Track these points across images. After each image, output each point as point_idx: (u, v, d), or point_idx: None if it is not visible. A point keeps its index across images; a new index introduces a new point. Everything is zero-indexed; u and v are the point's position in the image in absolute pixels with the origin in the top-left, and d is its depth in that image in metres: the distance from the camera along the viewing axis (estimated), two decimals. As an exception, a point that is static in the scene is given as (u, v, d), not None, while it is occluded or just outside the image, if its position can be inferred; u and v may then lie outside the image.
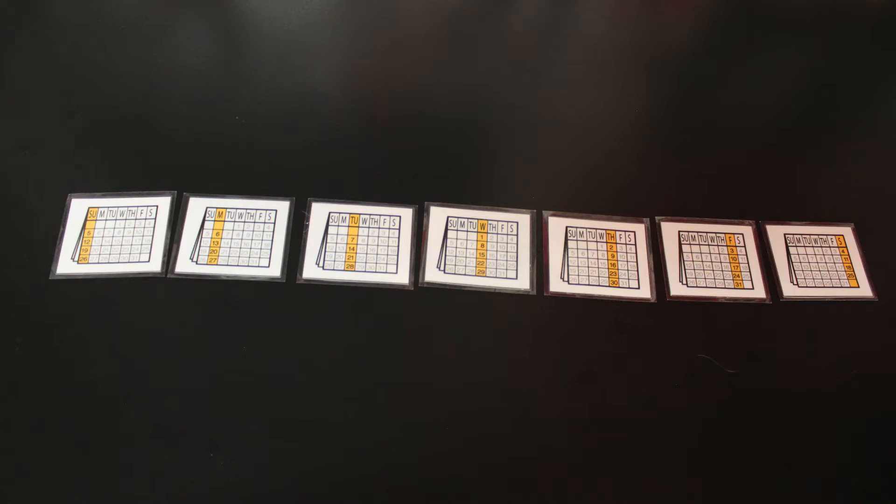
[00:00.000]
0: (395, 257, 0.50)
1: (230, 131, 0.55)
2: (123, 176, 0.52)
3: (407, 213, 0.52)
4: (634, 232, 0.53)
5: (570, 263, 0.51)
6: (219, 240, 0.50)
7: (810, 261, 0.52)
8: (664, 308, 0.50)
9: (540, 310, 0.49)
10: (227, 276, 0.49)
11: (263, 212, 0.51)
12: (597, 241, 0.52)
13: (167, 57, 0.59)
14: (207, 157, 0.53)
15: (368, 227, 0.51)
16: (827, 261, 0.53)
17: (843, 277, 0.52)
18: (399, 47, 0.62)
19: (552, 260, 0.51)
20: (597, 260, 0.51)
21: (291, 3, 0.63)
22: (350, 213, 0.52)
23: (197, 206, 0.51)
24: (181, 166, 0.52)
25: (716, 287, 0.51)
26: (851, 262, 0.53)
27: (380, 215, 0.52)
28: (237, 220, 0.51)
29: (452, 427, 0.44)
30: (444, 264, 0.50)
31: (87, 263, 0.48)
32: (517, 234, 0.52)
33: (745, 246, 0.53)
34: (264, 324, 0.47)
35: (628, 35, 0.65)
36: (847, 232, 0.54)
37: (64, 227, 0.50)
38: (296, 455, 0.43)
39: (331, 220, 0.51)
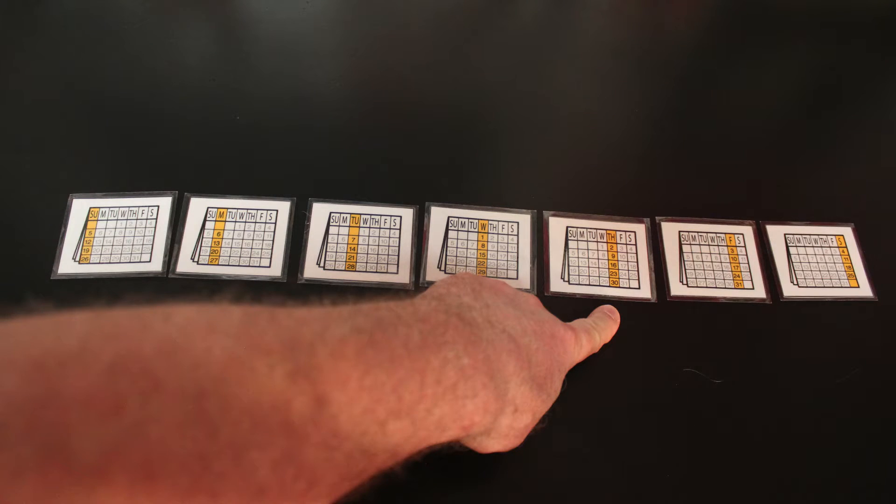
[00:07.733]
0: (396, 257, 0.50)
1: (231, 131, 0.55)
2: (125, 176, 0.52)
3: (408, 214, 0.52)
4: (635, 232, 0.53)
5: (570, 263, 0.51)
6: (220, 240, 0.50)
7: (810, 261, 0.53)
8: (664, 308, 0.50)
9: (540, 310, 0.49)
10: (229, 276, 0.49)
11: (264, 212, 0.51)
12: (597, 242, 0.52)
13: (168, 57, 0.59)
14: (208, 158, 0.53)
15: (369, 227, 0.51)
16: (827, 261, 0.53)
17: (843, 277, 0.52)
18: (400, 47, 0.62)
19: (553, 260, 0.51)
20: (597, 260, 0.51)
21: (293, 2, 0.63)
22: (351, 214, 0.52)
23: (198, 207, 0.51)
24: (182, 167, 0.53)
25: (716, 287, 0.51)
26: (851, 262, 0.53)
27: (380, 215, 0.52)
28: (238, 220, 0.51)
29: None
30: (445, 264, 0.50)
31: (89, 263, 0.48)
32: (518, 235, 0.52)
33: (745, 246, 0.53)
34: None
35: (629, 35, 0.65)
36: (847, 232, 0.54)
37: (65, 227, 0.50)
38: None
39: (331, 220, 0.51)
